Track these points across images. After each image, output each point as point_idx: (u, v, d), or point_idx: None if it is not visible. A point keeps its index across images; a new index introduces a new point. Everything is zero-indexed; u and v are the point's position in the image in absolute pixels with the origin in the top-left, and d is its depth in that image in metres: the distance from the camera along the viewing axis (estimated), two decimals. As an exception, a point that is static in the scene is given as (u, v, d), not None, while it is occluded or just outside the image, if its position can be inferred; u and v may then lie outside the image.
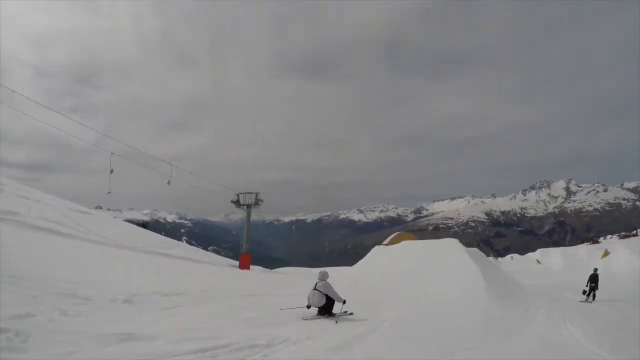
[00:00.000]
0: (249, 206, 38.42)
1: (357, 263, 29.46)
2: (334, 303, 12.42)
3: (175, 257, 27.41)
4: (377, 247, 30.69)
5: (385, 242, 34.24)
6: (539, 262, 56.52)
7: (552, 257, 55.47)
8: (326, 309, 12.37)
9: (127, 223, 47.09)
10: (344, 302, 12.33)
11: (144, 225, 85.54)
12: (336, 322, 11.42)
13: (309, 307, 12.44)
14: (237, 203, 38.76)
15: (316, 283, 12.56)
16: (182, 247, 35.02)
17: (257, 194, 38.53)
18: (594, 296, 22.07)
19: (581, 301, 21.64)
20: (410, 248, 27.42)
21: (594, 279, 22.46)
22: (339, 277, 22.91)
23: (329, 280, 12.68)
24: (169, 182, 31.46)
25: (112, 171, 27.05)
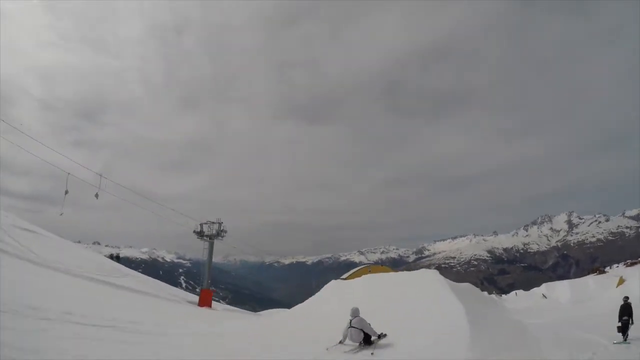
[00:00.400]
0: (211, 237, 33.90)
1: (302, 304, 22.88)
2: (370, 337, 12.83)
3: (116, 286, 24.34)
4: (332, 282, 24.35)
5: (345, 275, 29.70)
6: (545, 297, 52.09)
7: (559, 291, 51.00)
8: (366, 342, 12.67)
9: (84, 249, 44.78)
10: (379, 335, 12.89)
11: (117, 257, 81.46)
12: (372, 353, 11.81)
13: (341, 342, 12.78)
14: (199, 234, 34.36)
15: (350, 320, 12.83)
16: (133, 278, 31.63)
17: (220, 224, 34.13)
18: (627, 336, 16.17)
19: (616, 342, 15.61)
20: (373, 282, 21.33)
21: (627, 311, 16.91)
22: (258, 325, 20.71)
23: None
24: (96, 195, 28.63)
25: (66, 192, 26.71)
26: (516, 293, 72.31)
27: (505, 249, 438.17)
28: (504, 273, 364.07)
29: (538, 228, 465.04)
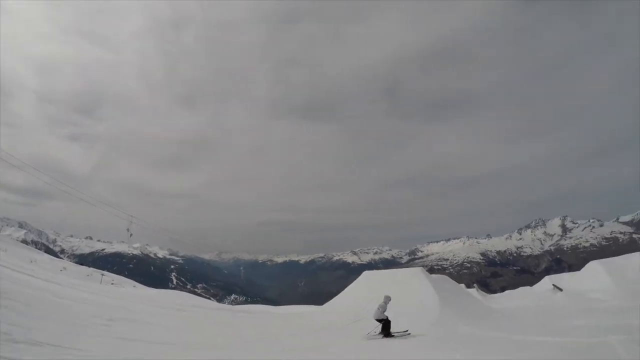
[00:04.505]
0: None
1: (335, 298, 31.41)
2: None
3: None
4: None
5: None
6: (560, 289, 37.58)
7: (590, 278, 36.28)
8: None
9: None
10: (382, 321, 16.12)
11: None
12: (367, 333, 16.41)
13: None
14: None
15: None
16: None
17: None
18: None
19: None
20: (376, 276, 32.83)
21: None
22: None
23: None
24: (130, 235, 34.32)
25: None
26: (506, 292, 63.00)
27: (498, 252, 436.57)
28: (496, 276, 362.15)
29: (532, 232, 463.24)
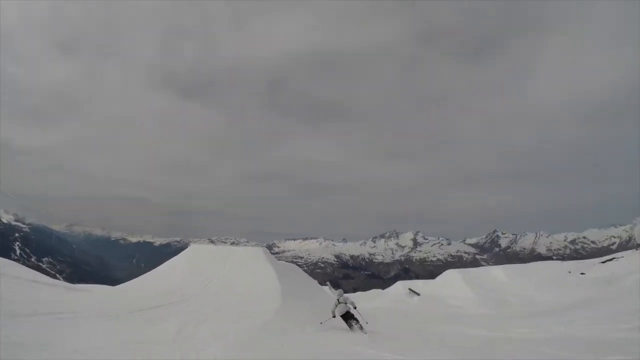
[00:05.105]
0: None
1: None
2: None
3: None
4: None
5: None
6: (417, 294, 35.48)
7: (447, 286, 35.00)
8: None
9: None
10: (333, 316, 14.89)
11: None
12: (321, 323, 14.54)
13: (334, 316, 14.70)
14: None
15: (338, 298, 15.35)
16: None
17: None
18: None
19: None
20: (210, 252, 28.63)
21: None
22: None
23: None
24: None
25: None
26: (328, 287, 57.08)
27: (352, 256, 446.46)
28: (348, 278, 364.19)
29: (385, 242, 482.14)
